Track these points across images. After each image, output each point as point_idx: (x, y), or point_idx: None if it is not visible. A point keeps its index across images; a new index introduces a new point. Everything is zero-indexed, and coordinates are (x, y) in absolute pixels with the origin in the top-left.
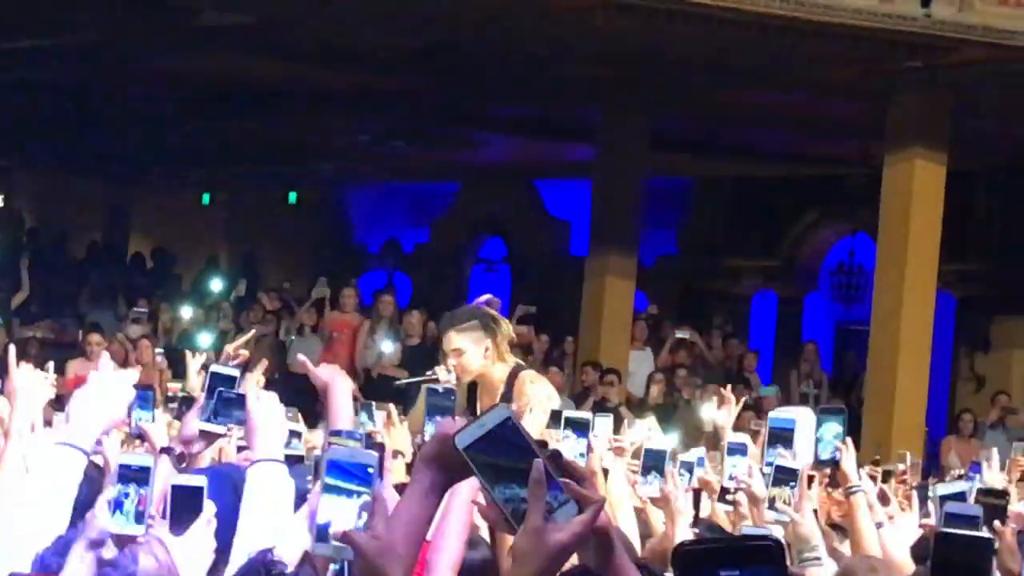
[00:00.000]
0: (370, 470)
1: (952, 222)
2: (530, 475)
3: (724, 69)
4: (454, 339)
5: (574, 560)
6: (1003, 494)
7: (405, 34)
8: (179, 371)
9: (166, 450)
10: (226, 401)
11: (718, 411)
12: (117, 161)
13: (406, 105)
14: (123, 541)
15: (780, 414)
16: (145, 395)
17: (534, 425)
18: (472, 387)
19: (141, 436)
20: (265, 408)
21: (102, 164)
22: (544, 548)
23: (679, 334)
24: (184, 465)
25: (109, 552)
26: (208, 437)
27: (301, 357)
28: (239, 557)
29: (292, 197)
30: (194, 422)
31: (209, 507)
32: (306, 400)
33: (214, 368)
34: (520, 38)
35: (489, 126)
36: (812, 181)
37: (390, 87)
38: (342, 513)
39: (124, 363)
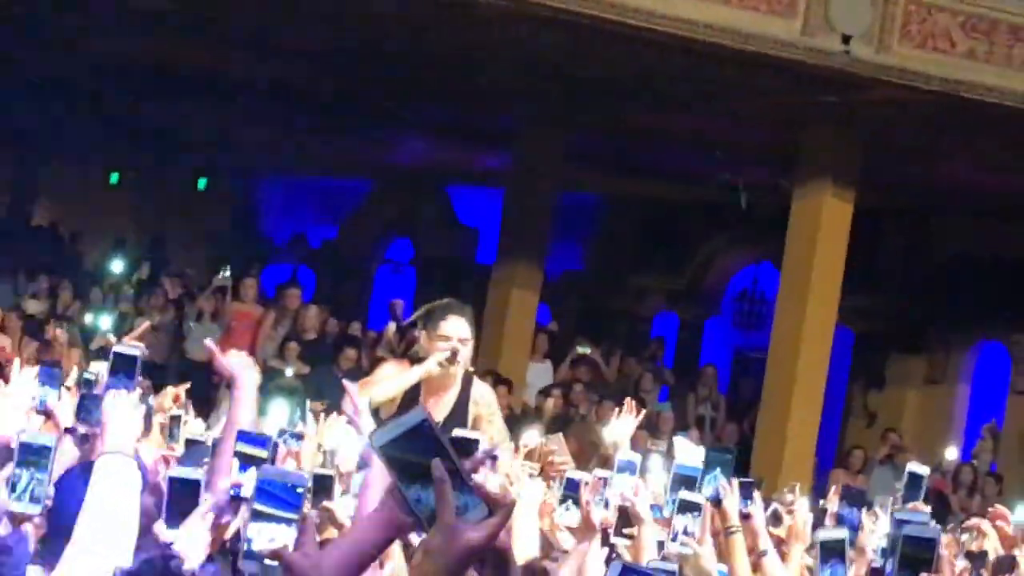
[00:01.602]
0: (299, 491)
1: (856, 258)
2: (434, 475)
3: (644, 90)
4: (466, 328)
5: None
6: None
7: (329, 31)
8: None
9: (70, 430)
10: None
11: (618, 421)
12: (27, 134)
13: (325, 100)
14: (18, 520)
15: (685, 460)
16: (51, 372)
17: (498, 430)
18: (413, 387)
19: (47, 413)
20: (116, 404)
21: (12, 136)
22: (455, 545)
23: (580, 349)
24: (87, 446)
25: (3, 529)
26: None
27: (208, 343)
28: (78, 546)
29: (202, 183)
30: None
31: (206, 499)
32: (201, 387)
33: (116, 349)
34: (445, 43)
35: (405, 127)
36: (720, 207)
37: (310, 82)
38: (273, 536)
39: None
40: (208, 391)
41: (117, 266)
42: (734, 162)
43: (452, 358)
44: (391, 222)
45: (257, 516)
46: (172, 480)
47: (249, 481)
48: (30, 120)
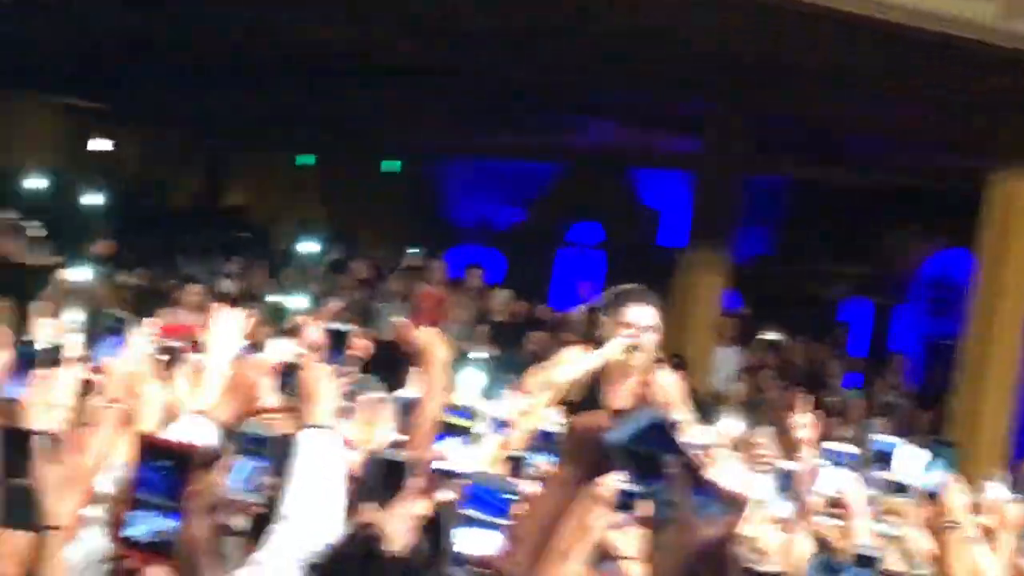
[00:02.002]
0: (508, 498)
1: None
2: (672, 473)
3: (836, 75)
4: (650, 316)
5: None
6: None
7: (514, 16)
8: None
9: None
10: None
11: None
12: (219, 118)
13: (511, 85)
14: (238, 508)
15: (882, 438)
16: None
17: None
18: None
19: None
20: (319, 377)
21: (204, 120)
22: (691, 541)
23: (769, 336)
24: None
25: (224, 516)
26: None
27: (401, 319)
28: (287, 522)
29: (390, 166)
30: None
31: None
32: (391, 368)
33: (327, 326)
34: (632, 25)
35: (593, 111)
36: (913, 192)
37: (495, 66)
38: (481, 542)
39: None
40: (396, 371)
41: (307, 247)
42: (929, 148)
43: (635, 346)
44: (577, 205)
45: (467, 521)
46: (377, 461)
47: (451, 451)
48: (221, 106)
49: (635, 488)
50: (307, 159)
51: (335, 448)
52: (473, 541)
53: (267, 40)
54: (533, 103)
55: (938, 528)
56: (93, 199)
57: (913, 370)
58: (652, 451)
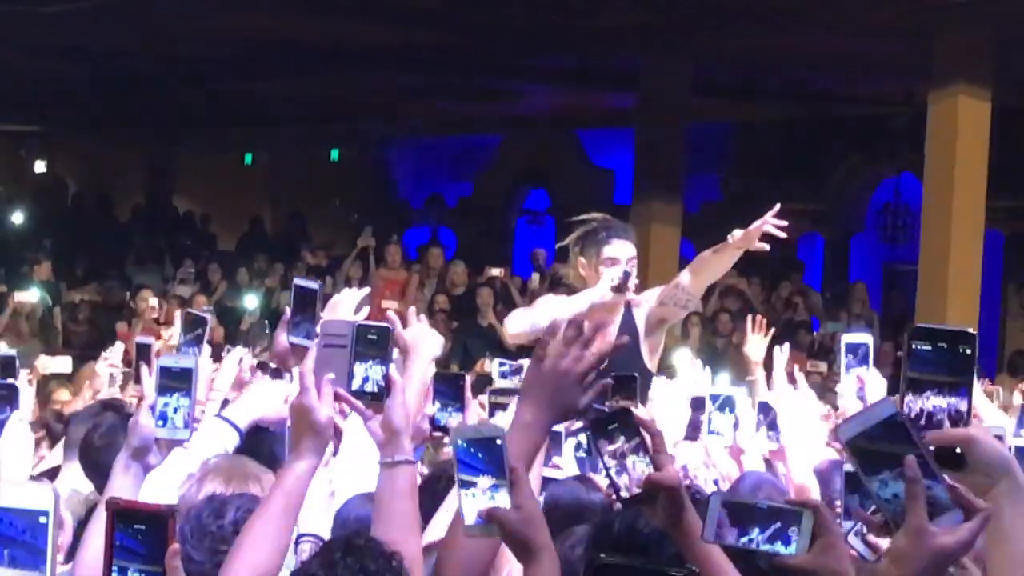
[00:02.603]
0: (499, 443)
1: (998, 159)
2: (906, 473)
3: (764, 12)
4: (632, 248)
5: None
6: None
7: None
8: (230, 331)
9: (261, 365)
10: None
11: (751, 339)
12: (158, 123)
13: (445, 58)
14: (170, 447)
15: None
16: None
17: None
18: None
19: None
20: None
21: (143, 127)
22: (926, 551)
23: (727, 280)
24: (279, 380)
25: (155, 459)
26: (298, 351)
27: (391, 314)
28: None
29: (334, 155)
30: (283, 337)
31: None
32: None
33: (297, 281)
34: None
35: (529, 76)
36: (855, 122)
37: (429, 41)
38: (484, 503)
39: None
40: None
41: (258, 244)
42: (865, 76)
43: (625, 281)
44: (524, 173)
45: (464, 485)
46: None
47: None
48: (160, 106)
49: (867, 488)
50: (251, 156)
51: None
52: (478, 505)
53: (200, 34)
54: (469, 75)
55: None
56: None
57: (874, 298)
58: (887, 446)
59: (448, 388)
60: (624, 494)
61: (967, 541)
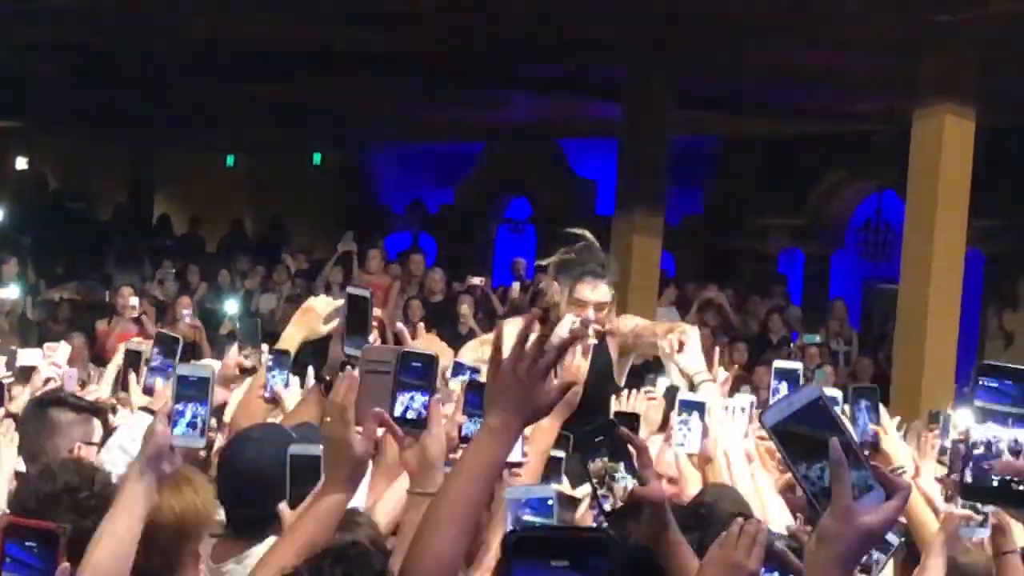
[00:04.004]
0: (549, 502)
1: (981, 178)
2: (831, 455)
3: (749, 25)
4: (605, 291)
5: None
6: None
7: None
8: (210, 335)
9: (318, 379)
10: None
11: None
12: (141, 123)
13: (429, 65)
14: (187, 456)
15: (781, 365)
16: (280, 358)
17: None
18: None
19: (274, 399)
20: None
21: (126, 126)
22: (852, 530)
23: (707, 294)
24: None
25: (169, 467)
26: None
27: (400, 326)
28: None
29: (316, 159)
30: (338, 349)
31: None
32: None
33: (350, 290)
34: None
35: (513, 85)
36: (838, 138)
37: (413, 47)
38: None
39: (157, 321)
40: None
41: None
42: (848, 92)
43: (582, 331)
44: (506, 181)
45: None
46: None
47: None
48: (141, 108)
49: (793, 469)
50: (234, 158)
51: None
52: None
53: (183, 36)
54: (453, 82)
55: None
56: (15, 217)
57: (854, 315)
58: (810, 431)
59: (481, 401)
60: (607, 508)
61: (890, 519)
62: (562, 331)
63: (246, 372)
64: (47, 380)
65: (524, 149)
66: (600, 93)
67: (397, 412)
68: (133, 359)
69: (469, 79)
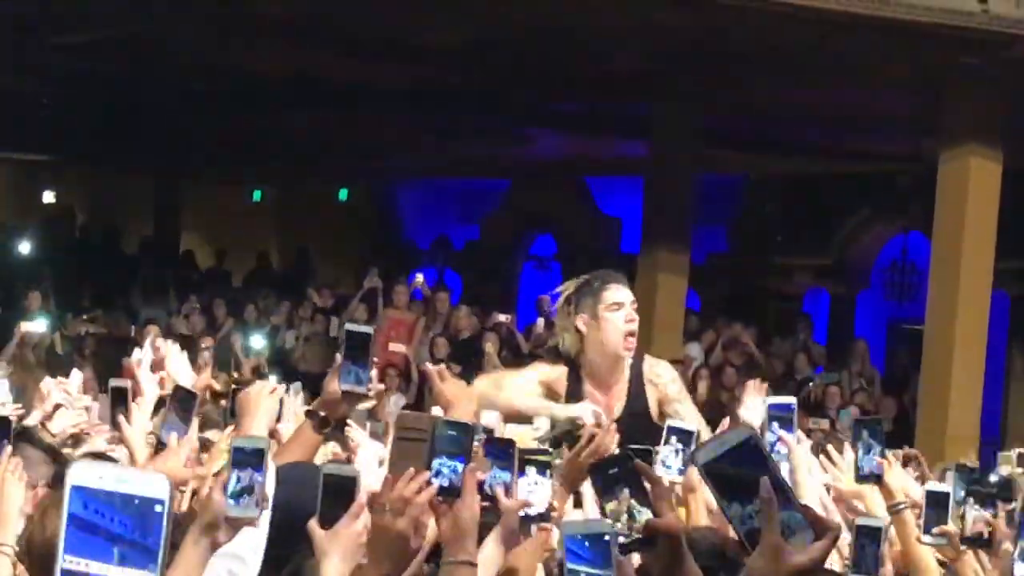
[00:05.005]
0: (606, 537)
1: (1007, 220)
2: (761, 495)
3: (777, 65)
4: (630, 293)
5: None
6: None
7: (455, 30)
8: (226, 369)
9: (309, 414)
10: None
11: (748, 400)
12: (168, 157)
13: (456, 101)
14: (239, 525)
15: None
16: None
17: (690, 412)
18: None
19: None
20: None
21: (153, 160)
22: (782, 569)
23: (731, 332)
24: (327, 429)
25: (224, 537)
26: (350, 398)
27: (430, 367)
28: None
29: (343, 194)
30: (334, 384)
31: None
32: None
33: (349, 327)
34: (571, 33)
35: (540, 122)
36: (864, 178)
37: (440, 83)
38: None
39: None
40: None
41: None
42: (875, 132)
43: (596, 423)
44: (532, 218)
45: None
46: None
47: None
48: (168, 142)
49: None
50: (260, 192)
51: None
52: None
53: (210, 71)
54: (480, 118)
55: (890, 510)
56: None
57: (879, 355)
58: (742, 470)
59: (500, 452)
60: (622, 540)
61: (819, 559)
62: (576, 413)
63: (217, 396)
64: (57, 406)
65: (550, 186)
66: (626, 131)
67: (432, 480)
68: (118, 397)
69: (496, 115)
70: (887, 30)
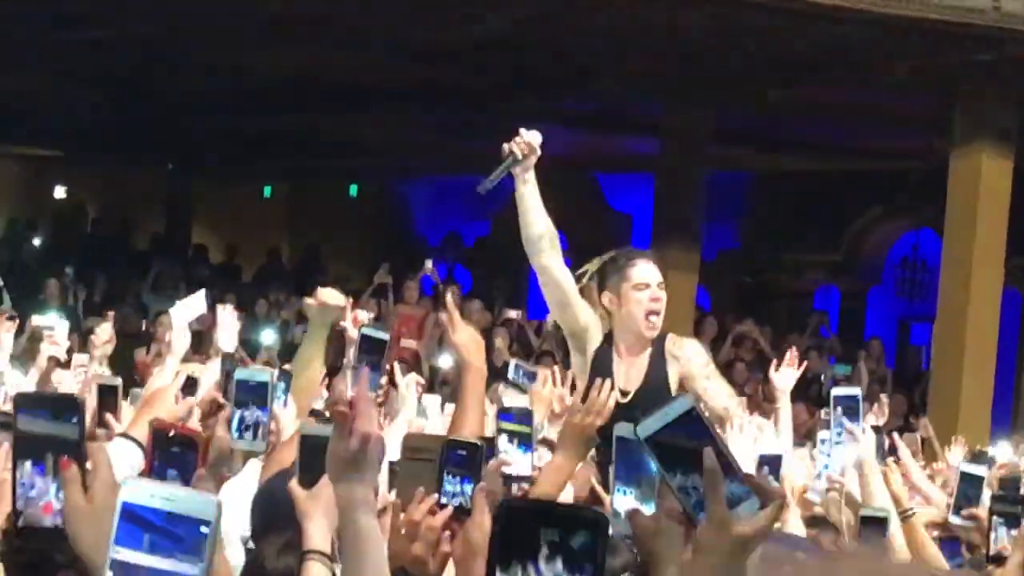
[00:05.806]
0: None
1: (1018, 217)
2: (705, 465)
3: (788, 62)
4: (658, 272)
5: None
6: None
7: (466, 28)
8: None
9: (314, 413)
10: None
11: (780, 372)
12: (179, 152)
13: (467, 99)
14: (246, 459)
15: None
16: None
17: (721, 387)
18: (604, 354)
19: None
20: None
21: (164, 156)
22: (728, 540)
23: (742, 328)
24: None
25: (229, 472)
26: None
27: (450, 300)
28: None
29: (353, 190)
30: (342, 384)
31: None
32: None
33: (364, 331)
34: (582, 31)
35: (549, 119)
36: (875, 176)
37: (451, 81)
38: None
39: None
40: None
41: (276, 276)
42: (886, 129)
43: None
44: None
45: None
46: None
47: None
48: (179, 137)
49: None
50: (271, 189)
51: None
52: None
53: (227, 72)
54: (491, 115)
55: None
56: (54, 246)
57: (889, 352)
58: (686, 441)
59: (462, 458)
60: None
61: (765, 528)
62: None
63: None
64: (50, 358)
65: (560, 183)
66: (637, 128)
67: (442, 500)
68: (107, 393)
69: (506, 112)
70: (899, 28)
